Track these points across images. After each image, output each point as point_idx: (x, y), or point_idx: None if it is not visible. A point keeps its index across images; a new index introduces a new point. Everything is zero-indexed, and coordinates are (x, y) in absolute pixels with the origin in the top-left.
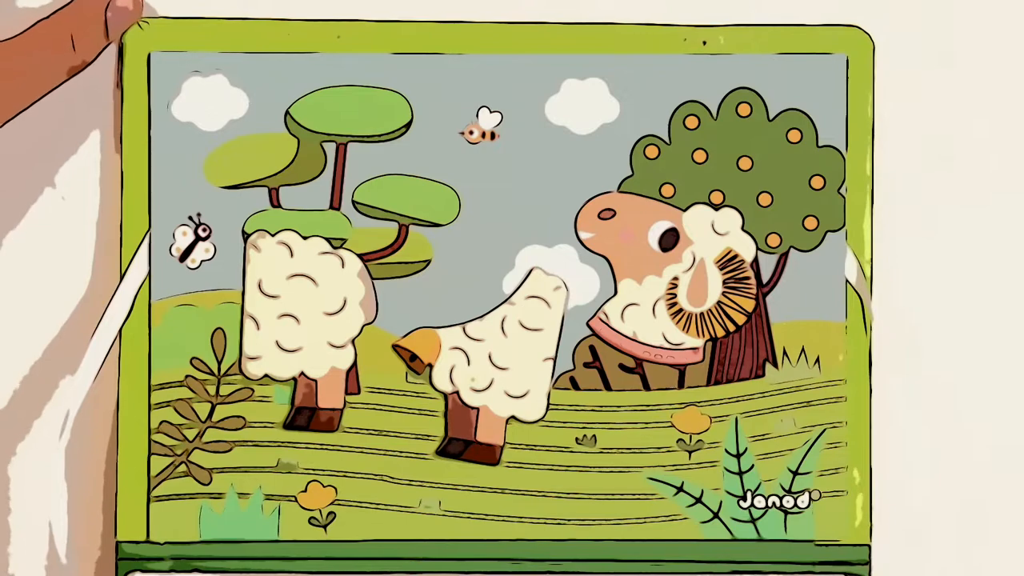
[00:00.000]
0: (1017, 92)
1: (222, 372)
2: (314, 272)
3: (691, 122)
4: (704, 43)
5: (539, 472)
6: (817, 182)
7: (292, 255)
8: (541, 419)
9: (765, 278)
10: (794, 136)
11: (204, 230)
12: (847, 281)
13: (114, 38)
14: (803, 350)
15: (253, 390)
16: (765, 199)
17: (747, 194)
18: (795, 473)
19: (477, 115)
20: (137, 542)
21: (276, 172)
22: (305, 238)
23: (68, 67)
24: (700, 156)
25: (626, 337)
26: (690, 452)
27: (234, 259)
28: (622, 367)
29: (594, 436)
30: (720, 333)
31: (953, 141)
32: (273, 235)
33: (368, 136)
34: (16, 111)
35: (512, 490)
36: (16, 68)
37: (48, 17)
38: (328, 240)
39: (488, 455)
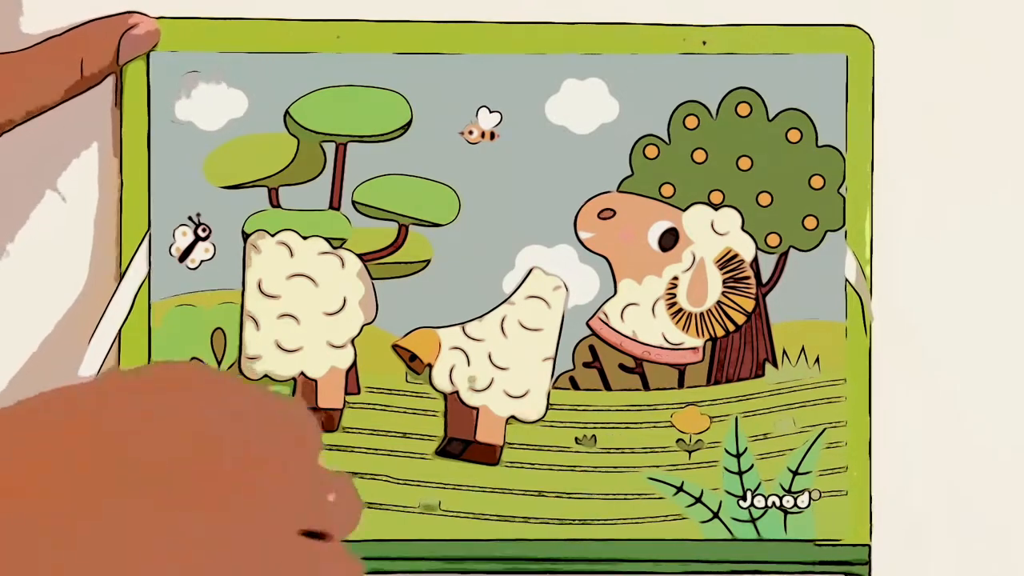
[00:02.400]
0: (1017, 92)
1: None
2: (314, 272)
3: (691, 122)
4: (704, 43)
5: (539, 472)
6: (817, 182)
7: (292, 255)
8: (541, 419)
9: (765, 278)
10: (794, 136)
11: (204, 230)
12: (847, 281)
13: (123, 65)
14: (803, 350)
15: None
16: (765, 199)
17: (747, 194)
18: (795, 473)
19: (477, 115)
20: None
21: (276, 172)
22: (305, 238)
23: (67, 88)
24: (700, 156)
25: (626, 337)
26: (690, 452)
27: (234, 259)
28: (622, 367)
29: (594, 436)
30: (720, 333)
31: (953, 141)
32: (273, 235)
33: (368, 136)
34: (5, 128)
35: (512, 490)
36: (15, 82)
37: (60, 35)
38: (328, 240)
39: (488, 455)
